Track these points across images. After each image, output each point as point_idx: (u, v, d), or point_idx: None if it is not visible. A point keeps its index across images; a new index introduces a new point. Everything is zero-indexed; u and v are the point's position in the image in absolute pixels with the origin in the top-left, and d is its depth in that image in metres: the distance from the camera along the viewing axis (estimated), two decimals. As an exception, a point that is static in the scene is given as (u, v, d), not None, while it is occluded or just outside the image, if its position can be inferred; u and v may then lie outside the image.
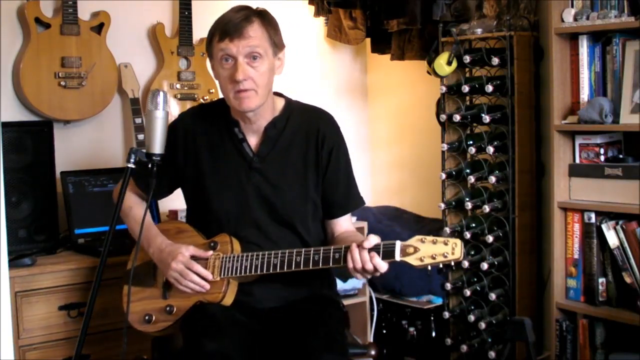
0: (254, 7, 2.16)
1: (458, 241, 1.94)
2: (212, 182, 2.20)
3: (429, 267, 1.95)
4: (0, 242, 2.05)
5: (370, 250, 1.96)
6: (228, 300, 2.13)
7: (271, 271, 2.07)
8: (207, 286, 2.12)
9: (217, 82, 2.19)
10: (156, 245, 2.20)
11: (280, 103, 2.24)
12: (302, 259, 2.04)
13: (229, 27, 2.07)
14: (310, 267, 2.04)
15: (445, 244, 1.93)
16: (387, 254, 1.96)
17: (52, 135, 2.84)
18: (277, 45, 2.15)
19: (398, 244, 1.95)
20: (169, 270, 2.13)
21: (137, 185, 2.31)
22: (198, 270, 2.12)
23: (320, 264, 2.03)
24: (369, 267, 1.95)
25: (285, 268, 2.06)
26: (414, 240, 1.95)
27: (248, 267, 2.09)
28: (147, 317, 2.19)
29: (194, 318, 2.12)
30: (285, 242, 2.18)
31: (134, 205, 2.32)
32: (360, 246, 1.97)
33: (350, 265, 1.97)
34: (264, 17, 2.13)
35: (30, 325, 2.59)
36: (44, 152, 2.81)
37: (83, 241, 2.86)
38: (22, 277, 2.56)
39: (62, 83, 2.95)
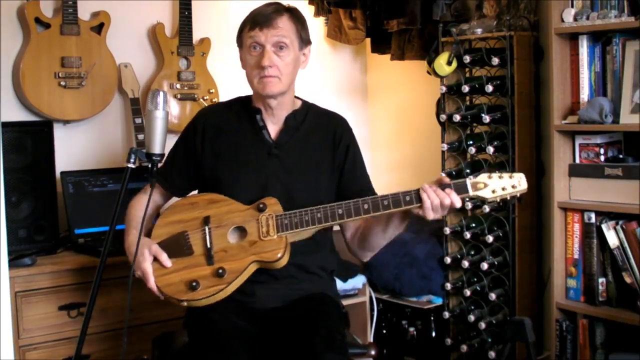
0: (286, 4, 2.26)
1: (522, 175, 2.05)
2: (230, 167, 2.23)
3: (498, 200, 2.05)
4: (0, 242, 2.05)
5: (443, 187, 2.03)
6: (284, 261, 2.08)
7: (337, 220, 2.07)
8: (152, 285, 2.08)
9: (244, 72, 2.25)
10: (127, 242, 2.19)
11: (298, 102, 2.34)
12: (370, 206, 2.06)
13: (259, 17, 2.18)
14: (381, 210, 2.05)
15: (511, 177, 2.04)
16: (460, 189, 2.03)
17: (52, 135, 2.84)
18: (304, 40, 2.24)
19: (468, 180, 2.04)
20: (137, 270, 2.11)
21: (158, 182, 2.30)
22: (152, 288, 2.08)
23: (392, 207, 2.04)
24: (448, 202, 2.01)
25: (354, 215, 2.06)
26: (481, 177, 2.04)
27: (309, 221, 2.08)
28: (193, 284, 2.04)
29: (199, 330, 2.11)
30: None
31: (137, 206, 2.29)
32: (434, 183, 2.04)
33: (427, 203, 2.01)
34: (293, 13, 2.24)
35: (30, 325, 2.59)
36: (44, 152, 2.81)
37: (83, 241, 2.86)
38: (22, 277, 2.56)
39: (62, 83, 2.95)
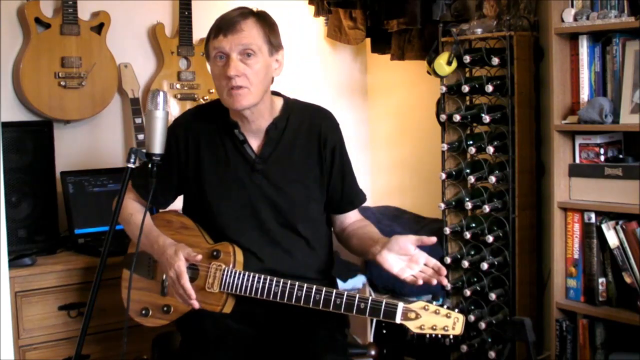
0: (254, 8, 2.13)
1: (460, 316, 1.93)
2: (215, 185, 2.16)
3: (427, 335, 1.95)
4: (0, 242, 2.06)
5: (370, 314, 1.96)
6: (226, 311, 2.11)
7: (271, 299, 2.04)
8: (195, 304, 2.05)
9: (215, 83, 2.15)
10: (159, 245, 2.13)
11: (279, 103, 2.21)
12: (302, 295, 2.01)
13: (223, 23, 2.06)
14: (310, 305, 2.01)
15: (448, 316, 1.92)
16: (388, 314, 1.94)
17: (52, 135, 2.85)
18: (274, 44, 2.10)
19: (400, 306, 1.93)
20: (168, 273, 2.09)
21: (138, 192, 2.26)
22: (185, 285, 2.04)
23: (321, 306, 2.00)
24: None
25: (285, 300, 2.03)
26: (417, 306, 1.93)
27: (248, 288, 2.05)
28: (143, 311, 2.18)
29: (192, 333, 2.11)
30: (290, 244, 2.17)
31: (135, 212, 2.24)
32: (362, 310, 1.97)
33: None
34: (261, 16, 2.10)
35: (30, 325, 2.59)
36: (44, 152, 2.81)
37: (83, 241, 2.86)
38: (22, 277, 2.57)
39: (62, 83, 2.95)
